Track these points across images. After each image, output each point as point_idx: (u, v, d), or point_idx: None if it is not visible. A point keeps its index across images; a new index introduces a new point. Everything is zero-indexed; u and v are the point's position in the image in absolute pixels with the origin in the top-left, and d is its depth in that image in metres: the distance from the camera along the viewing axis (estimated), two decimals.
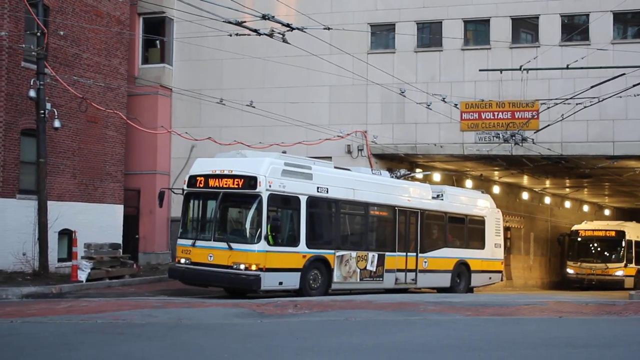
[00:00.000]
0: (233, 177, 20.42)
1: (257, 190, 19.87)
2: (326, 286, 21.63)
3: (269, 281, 19.80)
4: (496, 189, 38.46)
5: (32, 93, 23.79)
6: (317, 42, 24.07)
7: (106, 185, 29.14)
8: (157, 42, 33.53)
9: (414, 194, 25.72)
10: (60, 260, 25.98)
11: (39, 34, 24.29)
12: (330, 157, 28.77)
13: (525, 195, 43.72)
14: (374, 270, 23.29)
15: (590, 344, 11.99)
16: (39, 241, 23.74)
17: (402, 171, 28.43)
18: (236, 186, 20.35)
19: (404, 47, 31.21)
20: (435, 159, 32.85)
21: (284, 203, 20.76)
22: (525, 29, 31.13)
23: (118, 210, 29.70)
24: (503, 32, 30.25)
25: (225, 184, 20.52)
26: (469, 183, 35.66)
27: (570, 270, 40.90)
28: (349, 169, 24.34)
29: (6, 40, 24.53)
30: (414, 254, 25.04)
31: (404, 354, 10.71)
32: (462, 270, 27.15)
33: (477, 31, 31.65)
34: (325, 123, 30.50)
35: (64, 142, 27.04)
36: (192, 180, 21.37)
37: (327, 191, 21.90)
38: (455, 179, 35.31)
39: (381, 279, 23.61)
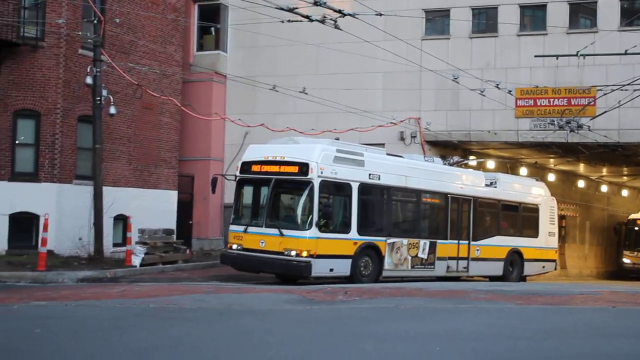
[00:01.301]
0: (285, 163, 20.50)
1: (308, 176, 19.89)
2: (377, 273, 21.57)
3: (319, 268, 19.81)
4: (551, 177, 37.93)
5: (89, 80, 24.10)
6: (371, 29, 23.93)
7: (161, 171, 29.46)
8: (212, 29, 33.73)
9: (466, 181, 25.55)
10: (115, 245, 26.34)
11: (95, 21, 24.59)
12: (383, 144, 28.62)
13: (581, 184, 43.04)
14: (425, 257, 23.22)
15: None
16: (95, 226, 24.12)
17: (455, 158, 28.20)
18: (288, 172, 20.41)
19: (459, 33, 30.93)
20: (489, 146, 32.53)
21: (336, 190, 20.74)
22: (583, 13, 30.59)
23: (172, 196, 30.02)
24: (560, 17, 29.76)
25: (278, 171, 20.62)
26: (523, 171, 35.22)
27: (626, 260, 40.24)
28: (401, 156, 24.20)
29: (64, 28, 24.92)
30: (466, 241, 24.92)
31: (453, 341, 10.64)
32: (514, 259, 26.89)
33: (533, 16, 31.20)
34: (379, 110, 30.39)
35: (119, 128, 27.39)
36: (245, 166, 21.51)
37: (379, 178, 21.81)
38: (509, 167, 34.92)
39: (432, 266, 23.51)
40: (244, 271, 21.91)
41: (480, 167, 30.54)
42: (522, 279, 27.29)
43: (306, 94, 27.44)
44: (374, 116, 29.63)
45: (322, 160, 20.15)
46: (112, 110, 24.95)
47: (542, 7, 30.40)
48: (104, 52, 25.15)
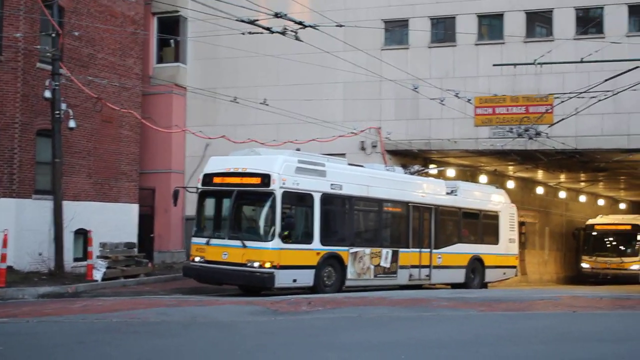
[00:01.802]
0: (247, 175, 20.49)
1: (270, 187, 19.89)
2: (340, 283, 21.63)
3: (282, 279, 19.81)
4: (510, 184, 38.31)
5: (48, 94, 23.88)
6: (331, 40, 24.05)
7: (121, 184, 29.26)
8: (172, 41, 33.62)
9: (427, 189, 25.72)
10: (76, 259, 26.09)
11: (54, 35, 24.43)
12: (344, 154, 28.69)
13: (540, 190, 43.53)
14: (388, 266, 23.30)
15: (603, 339, 11.96)
16: (55, 241, 23.88)
17: (416, 167, 28.50)
18: (250, 184, 20.41)
19: (418, 42, 31.17)
20: (449, 154, 32.79)
21: (298, 200, 20.74)
22: (539, 22, 31.01)
23: (133, 209, 29.82)
24: (517, 27, 30.14)
25: (239, 182, 20.60)
26: (483, 178, 35.54)
27: (585, 265, 40.72)
28: (362, 166, 24.34)
29: (22, 42, 24.66)
30: (428, 249, 25.08)
31: (417, 350, 10.72)
32: (476, 266, 27.11)
33: (491, 26, 31.56)
34: (339, 120, 30.49)
35: (79, 142, 27.16)
36: (207, 178, 21.47)
37: (341, 188, 21.92)
38: (469, 175, 35.23)
39: (395, 275, 23.62)
40: (207, 283, 21.80)
41: (441, 175, 30.76)
42: (484, 285, 27.49)
43: (267, 105, 27.46)
44: (335, 126, 29.73)
45: (284, 171, 20.18)
46: (72, 124, 24.73)
47: (499, 17, 30.76)
48: (63, 66, 24.95)
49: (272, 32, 18.02)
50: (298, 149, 23.50)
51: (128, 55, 30.10)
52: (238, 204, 20.82)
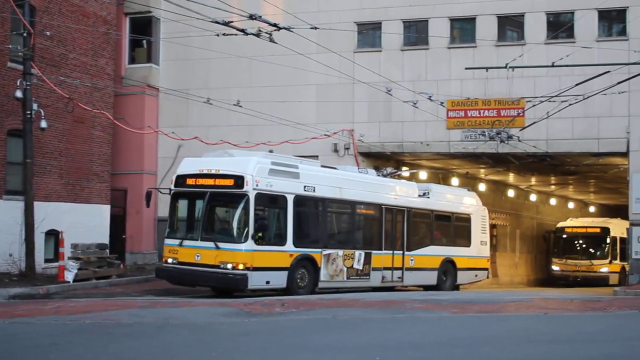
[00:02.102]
0: (220, 176, 20.43)
1: (244, 189, 19.88)
2: (313, 285, 21.69)
3: (256, 280, 19.84)
4: (482, 187, 38.57)
5: (19, 93, 23.73)
6: (304, 41, 24.07)
7: (93, 185, 29.09)
8: (144, 41, 33.46)
9: (400, 192, 25.87)
10: (47, 260, 25.93)
11: (25, 34, 24.25)
12: (317, 156, 28.80)
13: (511, 193, 43.88)
14: (361, 268, 23.37)
15: (574, 340, 12.09)
16: (26, 242, 23.71)
17: (389, 169, 28.51)
18: (223, 185, 20.36)
19: (391, 45, 31.28)
20: (421, 157, 32.95)
21: (271, 202, 20.81)
22: (511, 27, 31.26)
23: (105, 210, 29.65)
24: (489, 31, 30.36)
25: (213, 184, 20.53)
26: (455, 181, 35.79)
27: (555, 267, 41.10)
28: (335, 168, 24.42)
29: None
30: (401, 252, 25.19)
31: (391, 351, 10.77)
32: (448, 268, 27.26)
33: (463, 29, 31.76)
34: (312, 122, 30.52)
35: (50, 142, 26.97)
36: (179, 180, 21.37)
37: (314, 190, 21.99)
38: (441, 177, 35.42)
39: (368, 277, 23.69)
40: (179, 285, 21.76)
41: (413, 177, 30.90)
42: (456, 287, 27.64)
43: (240, 106, 27.46)
44: (308, 128, 29.77)
45: (257, 172, 20.17)
46: (43, 124, 24.59)
47: (472, 21, 30.96)
48: (34, 65, 24.76)
49: (247, 34, 18.02)
50: (271, 151, 23.52)
51: (100, 56, 29.93)
52: (211, 205, 20.75)
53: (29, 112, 23.79)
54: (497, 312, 16.36)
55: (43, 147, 26.42)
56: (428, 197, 27.03)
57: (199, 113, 31.68)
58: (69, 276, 23.07)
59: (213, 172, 20.61)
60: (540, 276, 46.91)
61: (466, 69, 28.30)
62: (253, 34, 18.09)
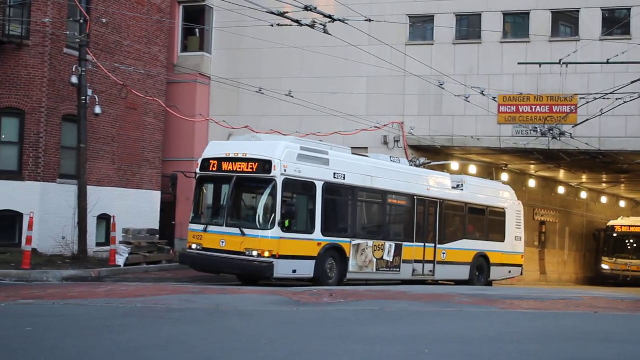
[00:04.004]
0: (247, 160, 19.94)
1: (271, 174, 19.44)
2: (341, 275, 21.26)
3: (282, 269, 19.46)
4: (532, 183, 38.30)
5: (74, 79, 24.14)
6: (356, 33, 24.10)
7: (144, 171, 29.49)
8: (197, 30, 33.77)
9: (433, 183, 25.25)
10: (98, 244, 26.36)
11: (81, 21, 24.66)
12: (367, 148, 28.86)
13: (561, 190, 43.46)
14: (391, 260, 22.87)
15: (626, 340, 11.99)
16: (79, 225, 24.12)
17: (422, 160, 27.93)
18: (250, 170, 19.88)
19: (443, 39, 31.17)
20: (471, 151, 32.80)
21: (299, 188, 20.35)
22: (565, 22, 30.95)
23: (155, 196, 30.04)
24: (543, 26, 30.09)
25: (239, 168, 20.04)
26: (504, 176, 35.55)
27: (605, 266, 40.65)
28: (367, 156, 23.88)
29: (49, 27, 24.89)
30: (432, 245, 24.62)
31: (441, 344, 10.79)
32: (481, 263, 26.65)
33: (516, 24, 31.52)
34: (363, 114, 30.56)
35: (103, 128, 27.40)
36: (205, 163, 20.89)
37: (344, 177, 21.43)
38: (492, 172, 35.21)
39: (398, 269, 23.20)
40: (203, 272, 21.50)
41: (445, 169, 30.65)
42: (488, 283, 26.99)
43: (292, 97, 27.59)
44: (358, 120, 29.80)
45: (285, 157, 19.69)
46: (97, 110, 24.99)
47: (525, 15, 30.72)
48: (89, 52, 25.14)
49: (301, 25, 18.09)
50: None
51: (154, 43, 30.29)
52: (237, 190, 20.30)
53: (83, 97, 24.18)
54: (546, 310, 16.27)
55: (96, 133, 26.85)
56: (462, 189, 26.39)
57: (250, 102, 31.89)
58: (120, 260, 23.42)
59: (240, 155, 20.12)
60: (589, 275, 46.41)
61: (519, 64, 28.09)
62: (308, 25, 18.17)
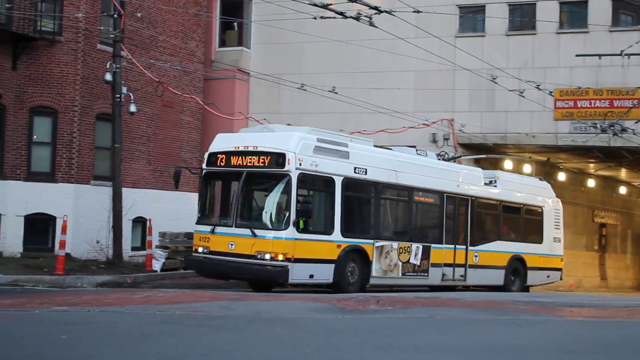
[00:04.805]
0: (258, 154, 19.05)
1: (285, 168, 18.53)
2: (363, 280, 20.45)
3: (298, 273, 18.59)
4: (591, 183, 37.89)
5: (108, 76, 24.36)
6: (403, 25, 24.03)
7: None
8: (235, 24, 33.94)
9: (464, 179, 24.25)
10: (134, 248, 26.64)
11: (115, 15, 24.88)
12: (414, 147, 28.66)
13: (622, 190, 42.91)
14: (418, 264, 21.97)
15: None
16: (113, 229, 24.36)
17: (451, 154, 27.35)
18: (261, 164, 18.99)
19: (495, 30, 30.99)
20: (526, 149, 32.56)
21: (316, 184, 19.48)
22: (626, 11, 30.60)
23: (193, 198, 30.13)
24: (602, 15, 29.76)
25: (249, 163, 19.17)
26: (561, 176, 35.21)
27: None
28: (390, 148, 23.08)
29: (82, 22, 25.20)
30: (464, 246, 23.71)
31: (496, 354, 10.70)
32: (517, 267, 25.73)
33: (573, 13, 31.23)
34: (410, 110, 30.50)
35: (139, 127, 27.68)
36: (212, 158, 20.03)
37: (366, 172, 20.49)
38: (546, 172, 34.88)
39: (426, 274, 22.32)
40: (211, 277, 20.96)
41: (517, 170, 30.43)
42: (525, 289, 26.17)
43: (336, 93, 27.58)
44: (405, 117, 29.73)
45: (300, 150, 18.77)
46: (132, 108, 25.21)
47: (583, 4, 30.44)
48: (124, 48, 25.38)
49: (346, 17, 18.09)
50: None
51: (190, 38, 30.52)
52: (247, 187, 19.46)
53: (118, 95, 24.40)
54: (608, 318, 16.05)
55: (131, 132, 27.13)
56: (495, 186, 25.45)
57: (291, 99, 31.99)
58: (157, 265, 23.56)
59: (250, 149, 19.21)
60: None
61: (577, 56, 27.83)
62: (352, 18, 18.16)
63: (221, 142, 20.22)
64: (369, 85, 30.81)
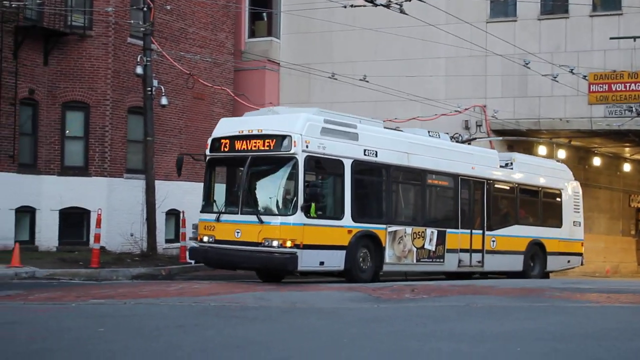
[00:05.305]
0: (263, 137, 18.37)
1: (291, 151, 17.83)
2: (376, 268, 19.70)
3: (307, 260, 17.83)
4: (627, 167, 37.53)
5: (139, 70, 24.50)
6: (433, 11, 23.97)
7: None
8: (264, 14, 33.96)
9: (478, 161, 23.44)
10: (167, 241, 26.82)
11: (145, 8, 25.00)
12: (447, 134, 28.55)
13: None
14: (433, 249, 21.22)
15: None
16: (147, 222, 24.55)
17: (465, 136, 26.74)
18: (267, 148, 18.28)
19: (526, 14, 30.76)
20: (560, 134, 32.32)
21: (324, 167, 18.75)
22: None
23: None
24: None
25: (254, 147, 18.47)
26: (596, 160, 34.90)
27: None
28: (401, 130, 22.45)
29: (112, 16, 25.35)
30: (480, 231, 22.94)
31: (533, 342, 10.66)
32: (536, 252, 24.93)
33: None
34: (442, 97, 30.38)
35: (170, 119, 27.81)
36: (215, 143, 19.35)
37: (376, 155, 19.77)
38: (581, 157, 34.62)
39: (442, 260, 21.59)
40: (217, 268, 20.41)
41: (552, 156, 30.19)
42: (545, 275, 25.39)
43: (367, 81, 27.51)
44: (437, 104, 29.63)
45: (306, 131, 18.06)
46: (164, 101, 25.34)
47: None
48: (154, 41, 25.51)
49: (376, 5, 18.06)
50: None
51: (220, 30, 30.60)
52: (253, 172, 18.67)
53: (149, 88, 24.54)
54: None
55: (163, 125, 27.28)
56: (511, 168, 24.63)
57: (322, 88, 31.97)
58: None
59: (255, 132, 18.52)
60: None
61: (611, 38, 27.61)
62: (382, 5, 18.13)
63: (225, 127, 19.61)
64: (400, 72, 30.73)
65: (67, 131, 25.76)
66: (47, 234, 25.18)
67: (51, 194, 25.09)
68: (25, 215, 25.12)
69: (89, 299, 14.80)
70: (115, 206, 25.42)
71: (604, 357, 9.85)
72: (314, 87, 32.64)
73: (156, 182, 25.08)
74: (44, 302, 14.74)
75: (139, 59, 24.69)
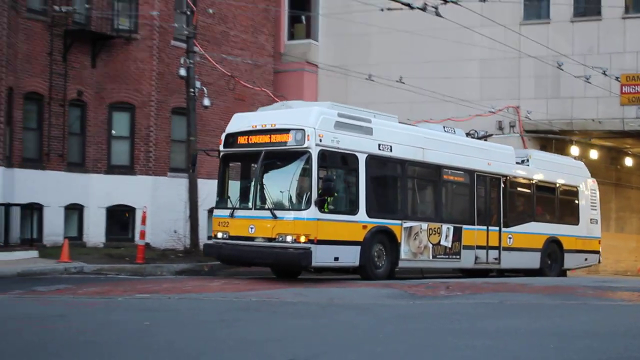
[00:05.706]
0: (276, 131, 17.90)
1: (304, 145, 17.32)
2: (392, 264, 19.14)
3: (321, 256, 17.27)
4: None
5: (182, 71, 24.67)
6: (468, 14, 23.83)
7: None
8: (303, 17, 34.03)
9: (495, 157, 22.78)
10: (210, 237, 26.90)
11: (188, 12, 25.21)
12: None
13: None
14: (450, 246, 20.60)
15: None
16: (190, 219, 24.73)
17: (481, 132, 26.30)
18: (280, 142, 17.81)
19: (559, 16, 30.55)
20: (592, 135, 32.04)
21: (338, 162, 18.21)
22: None
23: None
24: None
25: (267, 141, 18.00)
26: (628, 161, 34.55)
27: None
28: (416, 125, 22.10)
29: (157, 20, 25.57)
30: (497, 228, 22.31)
31: (566, 339, 10.60)
32: (553, 249, 24.28)
33: None
34: (476, 98, 30.24)
35: (212, 120, 27.97)
36: (229, 139, 18.94)
37: (391, 149, 19.20)
38: (613, 157, 34.31)
39: (458, 257, 20.96)
40: (232, 264, 20.27)
41: (583, 157, 29.96)
42: (562, 272, 24.84)
43: (403, 83, 27.49)
44: (471, 105, 29.52)
45: (320, 125, 17.55)
46: (206, 102, 25.50)
47: None
48: (197, 43, 25.68)
49: (412, 8, 18.03)
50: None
51: (260, 32, 30.72)
52: (266, 167, 18.21)
53: (192, 90, 24.71)
54: None
55: (205, 125, 27.44)
56: (528, 165, 23.95)
57: (359, 90, 31.96)
58: None
59: (268, 127, 18.02)
60: None
61: None
62: (419, 8, 18.10)
63: (238, 122, 19.12)
64: (435, 74, 30.62)
65: (114, 131, 26.05)
66: (95, 231, 25.49)
67: (98, 192, 25.39)
68: (74, 212, 25.47)
69: (135, 294, 14.98)
70: (160, 204, 25.65)
71: (636, 355, 9.78)
72: (351, 89, 32.64)
73: (198, 180, 25.25)
74: (92, 296, 14.95)
75: (182, 61, 24.85)
